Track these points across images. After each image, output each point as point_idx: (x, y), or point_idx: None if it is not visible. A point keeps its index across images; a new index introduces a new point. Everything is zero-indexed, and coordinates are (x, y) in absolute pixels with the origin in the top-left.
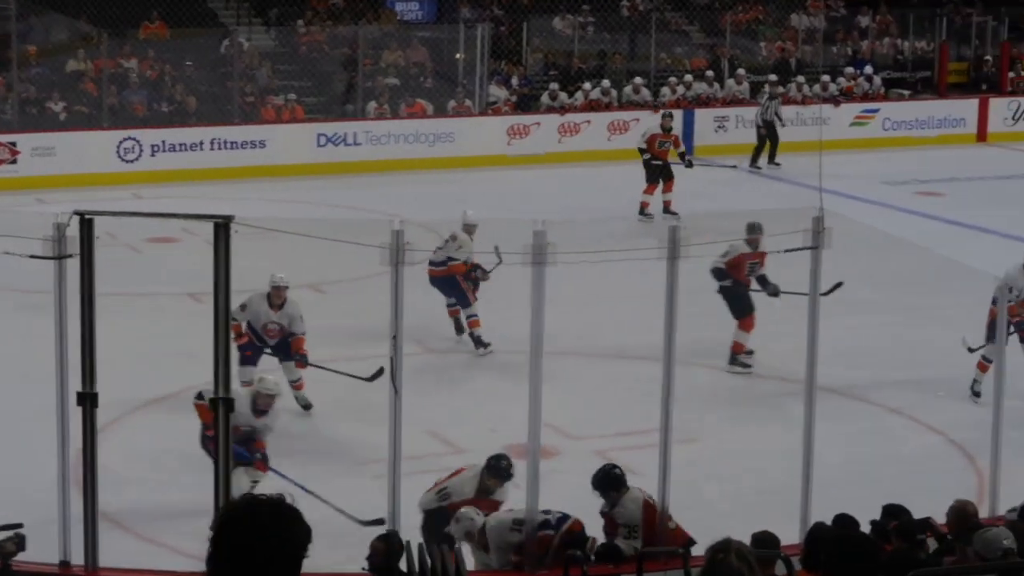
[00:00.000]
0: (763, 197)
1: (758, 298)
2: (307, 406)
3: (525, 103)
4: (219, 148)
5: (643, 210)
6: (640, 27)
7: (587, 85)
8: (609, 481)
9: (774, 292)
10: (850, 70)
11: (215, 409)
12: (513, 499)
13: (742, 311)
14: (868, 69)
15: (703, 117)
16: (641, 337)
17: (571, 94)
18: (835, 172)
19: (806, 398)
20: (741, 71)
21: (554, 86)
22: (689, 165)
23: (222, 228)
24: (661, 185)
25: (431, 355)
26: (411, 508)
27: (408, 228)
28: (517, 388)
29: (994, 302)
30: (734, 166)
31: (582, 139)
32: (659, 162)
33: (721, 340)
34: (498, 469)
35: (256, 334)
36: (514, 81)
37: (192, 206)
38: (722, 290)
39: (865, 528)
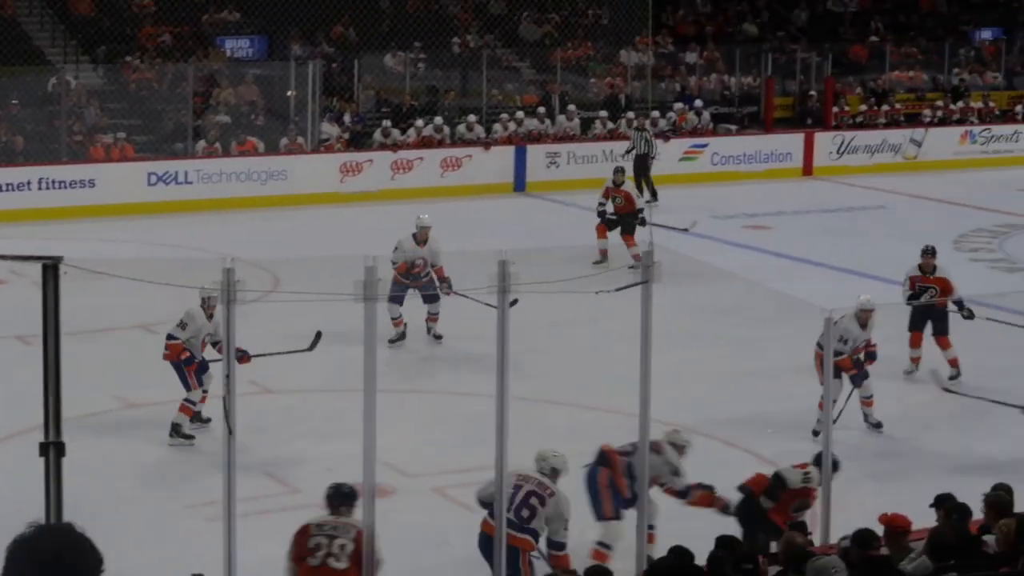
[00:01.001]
0: (593, 233)
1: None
2: (189, 437)
3: (358, 140)
4: (47, 188)
5: (602, 258)
6: (471, 64)
7: (419, 122)
8: (339, 497)
9: (969, 315)
10: (679, 105)
11: (46, 454)
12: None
13: (943, 330)
14: (698, 103)
15: (535, 153)
16: (473, 373)
17: (404, 131)
18: (665, 206)
19: (640, 432)
20: (572, 107)
21: (387, 123)
22: (642, 223)
23: (50, 269)
24: (620, 236)
25: (267, 395)
26: (245, 550)
27: (240, 266)
28: (353, 426)
29: (819, 346)
30: (686, 230)
31: (415, 176)
32: (615, 216)
33: (555, 373)
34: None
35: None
36: (346, 118)
37: (20, 247)
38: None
39: (702, 559)
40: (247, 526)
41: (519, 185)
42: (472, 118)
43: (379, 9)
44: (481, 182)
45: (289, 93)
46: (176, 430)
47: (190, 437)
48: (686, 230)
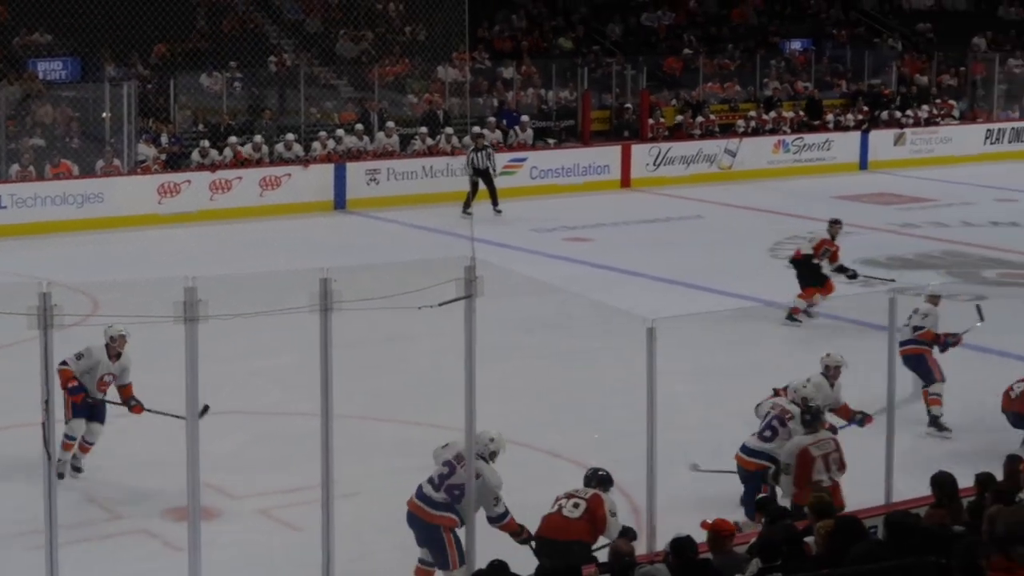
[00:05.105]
0: (415, 249)
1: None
2: (79, 469)
3: (175, 161)
4: None
5: (792, 315)
6: (289, 82)
7: (233, 138)
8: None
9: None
10: (492, 120)
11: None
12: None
13: None
14: (524, 118)
15: (354, 170)
16: (297, 392)
17: (221, 150)
18: (485, 220)
19: (466, 446)
20: (390, 124)
21: (205, 143)
22: (853, 276)
23: None
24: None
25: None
26: None
27: (56, 291)
28: (175, 450)
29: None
30: (893, 280)
31: (234, 196)
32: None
33: (379, 390)
34: None
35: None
36: (163, 139)
37: None
38: None
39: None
40: (69, 555)
41: (339, 203)
42: (290, 136)
43: (194, 28)
44: (301, 200)
45: (104, 115)
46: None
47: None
48: (893, 280)
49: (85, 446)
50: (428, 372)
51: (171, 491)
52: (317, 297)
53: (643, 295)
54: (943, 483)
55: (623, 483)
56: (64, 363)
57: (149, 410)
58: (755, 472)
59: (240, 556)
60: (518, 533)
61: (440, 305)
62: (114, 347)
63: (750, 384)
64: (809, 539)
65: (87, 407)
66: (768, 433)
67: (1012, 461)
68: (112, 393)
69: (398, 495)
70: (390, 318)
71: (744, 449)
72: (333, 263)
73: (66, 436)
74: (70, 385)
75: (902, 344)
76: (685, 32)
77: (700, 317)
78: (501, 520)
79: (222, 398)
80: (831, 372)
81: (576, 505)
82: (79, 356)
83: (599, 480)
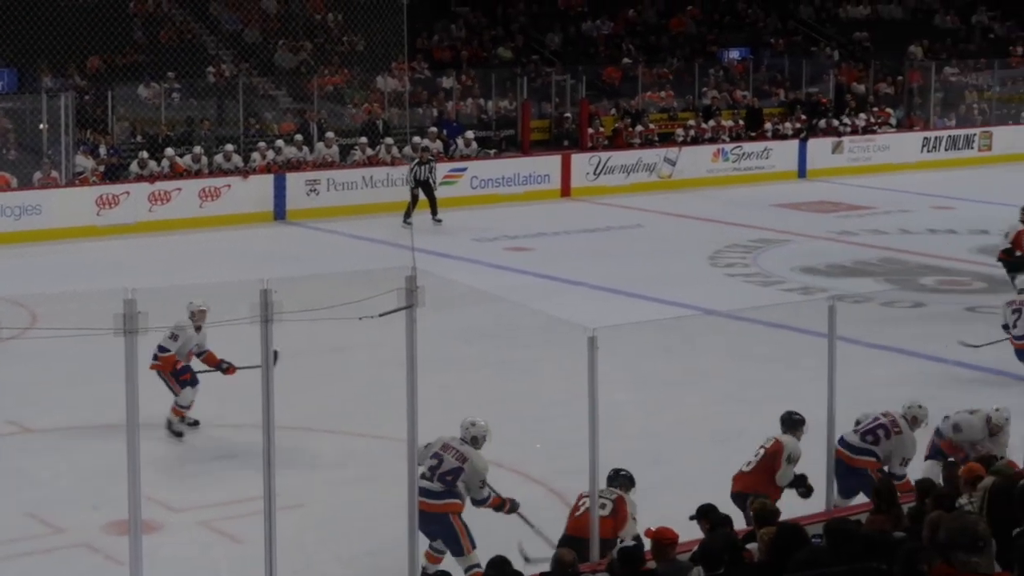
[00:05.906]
0: (355, 259)
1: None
2: (196, 422)
3: (113, 172)
4: None
5: None
6: (227, 93)
7: (169, 150)
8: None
9: None
10: (433, 130)
11: None
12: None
13: None
14: (468, 134)
15: (294, 181)
16: (238, 403)
17: (159, 162)
18: (426, 230)
19: (408, 455)
20: (330, 134)
21: (143, 154)
22: None
23: None
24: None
25: (28, 434)
26: None
27: None
28: (116, 463)
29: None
30: None
31: (173, 207)
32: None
33: (320, 401)
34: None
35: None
36: (102, 150)
37: None
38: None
39: None
40: (9, 569)
41: (279, 214)
42: (230, 147)
43: (132, 40)
44: (240, 211)
45: (41, 126)
46: (169, 426)
47: (179, 434)
48: None
49: (179, 410)
50: (369, 383)
51: (112, 504)
52: (257, 308)
53: (584, 304)
54: (882, 489)
55: (565, 492)
56: (166, 350)
57: (240, 368)
58: (859, 468)
59: (182, 568)
60: (502, 506)
61: (381, 315)
62: (195, 321)
63: (690, 392)
64: (752, 546)
65: (191, 377)
66: (871, 438)
67: (951, 467)
68: (196, 363)
69: (340, 506)
70: (331, 329)
71: (844, 445)
72: (273, 274)
73: (178, 405)
74: (178, 367)
75: (1018, 339)
76: (624, 41)
77: (640, 326)
78: (486, 502)
79: (163, 410)
80: (990, 425)
81: (603, 506)
82: (174, 336)
83: (623, 480)
